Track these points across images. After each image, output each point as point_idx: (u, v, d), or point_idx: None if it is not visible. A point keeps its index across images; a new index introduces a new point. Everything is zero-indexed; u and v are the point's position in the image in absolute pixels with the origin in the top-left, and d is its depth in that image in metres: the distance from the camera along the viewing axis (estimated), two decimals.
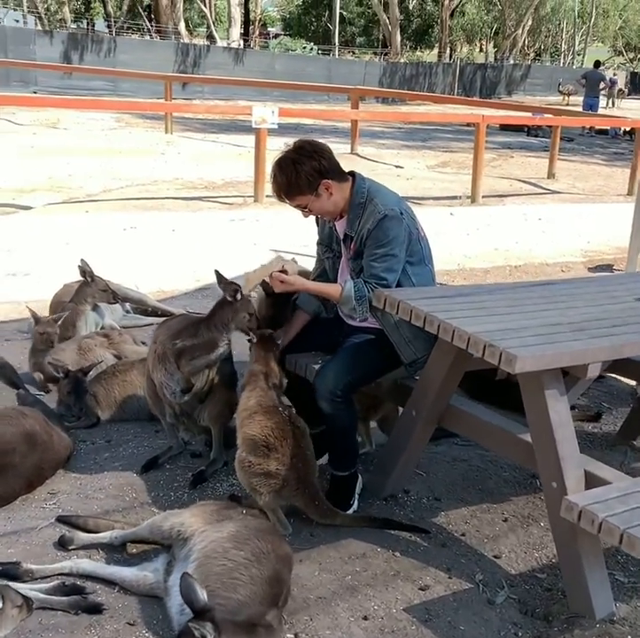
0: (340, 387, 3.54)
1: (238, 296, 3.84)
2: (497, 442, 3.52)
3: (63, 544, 3.33)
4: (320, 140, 3.83)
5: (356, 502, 3.78)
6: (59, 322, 5.03)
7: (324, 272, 3.97)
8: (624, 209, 10.33)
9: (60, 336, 5.41)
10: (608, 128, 23.01)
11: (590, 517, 2.80)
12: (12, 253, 7.68)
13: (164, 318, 5.85)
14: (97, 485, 3.86)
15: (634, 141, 14.93)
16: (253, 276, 3.76)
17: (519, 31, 51.07)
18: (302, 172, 3.56)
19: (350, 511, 3.72)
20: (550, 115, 16.33)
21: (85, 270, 5.41)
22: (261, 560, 2.89)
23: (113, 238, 8.56)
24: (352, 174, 3.75)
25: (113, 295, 5.47)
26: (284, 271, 3.73)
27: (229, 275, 5.04)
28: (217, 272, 3.95)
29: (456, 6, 49.95)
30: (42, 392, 4.78)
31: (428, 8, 52.69)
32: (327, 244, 3.92)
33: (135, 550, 3.35)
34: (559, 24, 60.18)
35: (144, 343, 5.38)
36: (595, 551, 3.11)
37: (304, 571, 3.28)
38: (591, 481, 3.10)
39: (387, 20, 43.87)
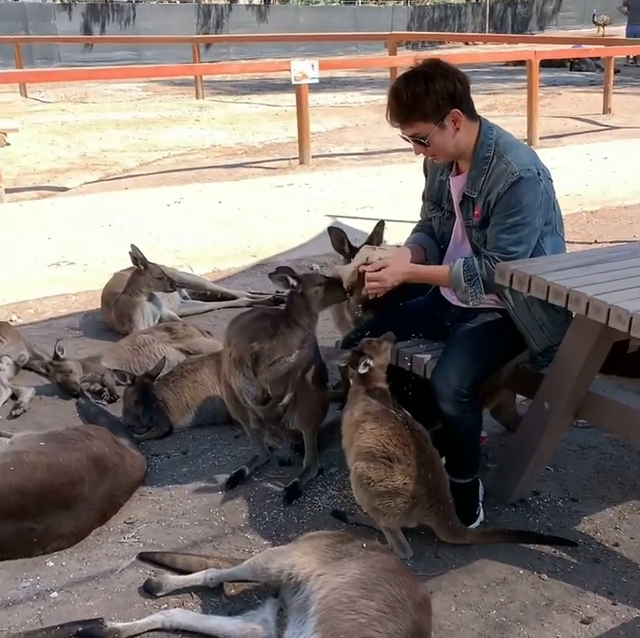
0: (466, 385, 2.96)
1: (294, 281, 3.24)
2: None
3: (150, 590, 2.84)
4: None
5: (482, 512, 3.22)
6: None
7: (428, 228, 3.39)
8: None
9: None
10: None
11: None
12: (53, 241, 7.12)
13: (225, 302, 5.40)
14: (180, 509, 3.36)
15: None
16: (344, 272, 3.18)
17: None
18: (432, 91, 2.92)
19: (476, 523, 3.17)
20: (602, 46, 15.37)
21: (137, 257, 4.88)
22: (397, 611, 2.34)
23: (156, 216, 7.99)
24: (477, 117, 3.11)
25: (170, 282, 4.93)
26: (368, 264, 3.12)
27: (286, 247, 4.52)
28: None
29: None
30: (101, 401, 4.25)
31: None
32: (436, 200, 3.31)
33: (233, 591, 2.86)
34: None
35: (209, 333, 4.83)
36: None
37: (438, 607, 2.73)
38: None
39: None
